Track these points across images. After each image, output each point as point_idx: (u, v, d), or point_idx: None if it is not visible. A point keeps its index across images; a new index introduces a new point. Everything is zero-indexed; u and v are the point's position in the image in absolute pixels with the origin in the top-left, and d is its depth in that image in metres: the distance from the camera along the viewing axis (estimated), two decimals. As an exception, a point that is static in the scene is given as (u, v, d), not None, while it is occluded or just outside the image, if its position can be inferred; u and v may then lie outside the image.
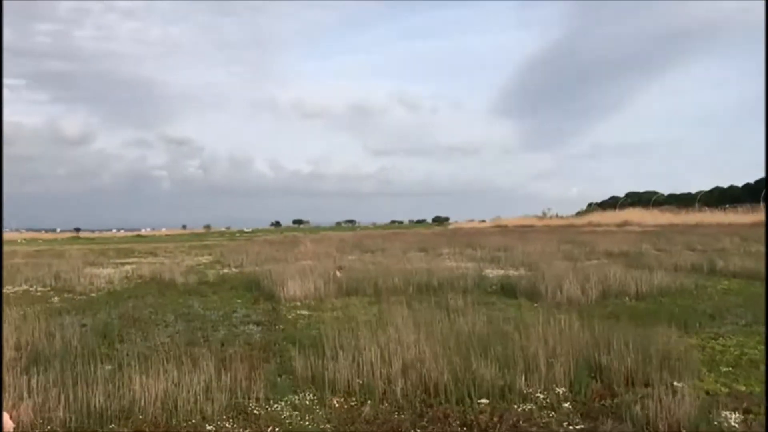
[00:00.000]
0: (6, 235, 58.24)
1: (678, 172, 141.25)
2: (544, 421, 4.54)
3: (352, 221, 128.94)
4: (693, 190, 76.74)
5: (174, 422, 4.58)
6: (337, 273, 13.29)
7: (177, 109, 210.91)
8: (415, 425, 4.52)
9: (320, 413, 4.81)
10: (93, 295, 12.87)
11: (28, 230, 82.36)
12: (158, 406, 4.73)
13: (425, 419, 4.61)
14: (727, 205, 60.06)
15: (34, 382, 4.94)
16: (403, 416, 4.69)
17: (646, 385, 5.09)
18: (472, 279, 12.95)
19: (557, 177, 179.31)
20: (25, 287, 14.17)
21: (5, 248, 32.05)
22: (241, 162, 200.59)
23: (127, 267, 19.26)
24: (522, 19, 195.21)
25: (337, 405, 4.96)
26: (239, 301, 11.54)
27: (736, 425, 4.37)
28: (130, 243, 48.48)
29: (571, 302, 9.81)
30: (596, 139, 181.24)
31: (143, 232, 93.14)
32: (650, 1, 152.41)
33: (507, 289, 11.80)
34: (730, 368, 5.87)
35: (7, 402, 4.58)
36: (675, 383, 5.03)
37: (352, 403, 5.00)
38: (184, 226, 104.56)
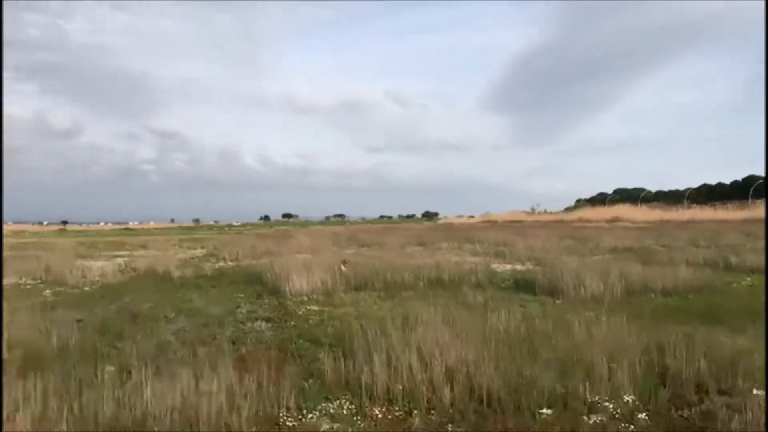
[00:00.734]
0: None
1: (665, 169, 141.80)
2: (621, 435, 3.99)
3: (341, 216, 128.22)
4: (681, 187, 77.09)
5: (196, 436, 3.96)
6: (342, 267, 12.70)
7: (166, 103, 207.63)
8: (473, 440, 3.95)
9: (362, 425, 4.21)
10: (86, 288, 12.23)
11: (14, 222, 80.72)
12: (175, 417, 4.11)
13: (483, 432, 4.04)
14: (717, 202, 60.28)
15: (30, 387, 4.29)
16: (459, 428, 4.12)
17: (720, 393, 4.58)
18: (482, 274, 12.51)
19: (546, 173, 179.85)
20: (14, 280, 13.42)
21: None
22: (231, 156, 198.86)
23: (119, 260, 18.50)
24: (513, 18, 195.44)
25: (379, 415, 4.36)
26: (241, 295, 10.92)
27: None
28: (120, 236, 47.42)
29: (595, 299, 9.33)
30: (585, 136, 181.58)
31: (131, 225, 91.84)
32: (638, 1, 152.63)
33: (522, 285, 11.29)
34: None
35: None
36: (755, 391, 4.51)
37: (396, 413, 4.40)
38: (172, 220, 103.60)
